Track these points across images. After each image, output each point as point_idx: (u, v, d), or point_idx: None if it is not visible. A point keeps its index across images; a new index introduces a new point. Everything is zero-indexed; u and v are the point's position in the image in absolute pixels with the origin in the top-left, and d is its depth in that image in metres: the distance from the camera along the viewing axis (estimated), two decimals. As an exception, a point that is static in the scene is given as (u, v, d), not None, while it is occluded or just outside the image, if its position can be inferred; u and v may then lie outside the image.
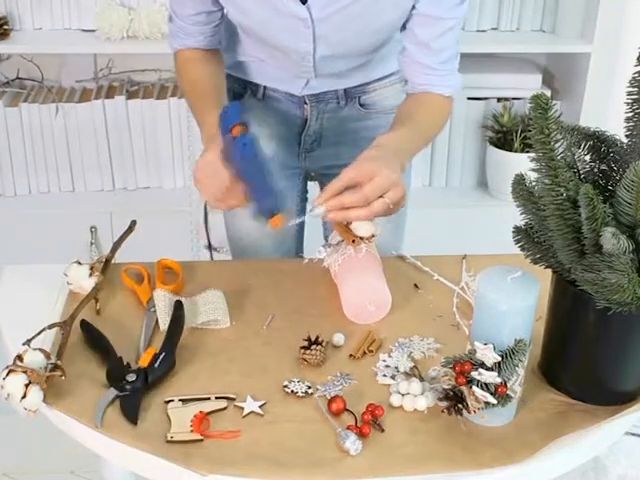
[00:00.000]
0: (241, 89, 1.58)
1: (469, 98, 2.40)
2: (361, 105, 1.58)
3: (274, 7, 1.33)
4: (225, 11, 1.45)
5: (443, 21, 1.33)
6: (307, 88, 1.53)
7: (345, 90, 1.55)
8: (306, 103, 1.56)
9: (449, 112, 1.44)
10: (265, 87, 1.56)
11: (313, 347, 1.15)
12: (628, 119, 1.07)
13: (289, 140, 1.60)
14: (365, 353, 1.19)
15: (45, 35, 2.28)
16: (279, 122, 1.56)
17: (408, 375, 1.14)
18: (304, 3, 1.32)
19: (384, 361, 1.18)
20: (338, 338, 1.21)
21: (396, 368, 1.16)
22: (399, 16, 1.35)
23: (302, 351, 1.16)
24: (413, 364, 1.16)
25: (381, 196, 1.18)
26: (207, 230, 2.22)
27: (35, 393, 1.04)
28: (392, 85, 1.59)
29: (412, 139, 1.34)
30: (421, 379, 1.12)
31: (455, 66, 1.41)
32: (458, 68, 1.42)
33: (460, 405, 1.03)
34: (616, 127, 1.10)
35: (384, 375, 1.15)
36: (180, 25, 1.46)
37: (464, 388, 1.01)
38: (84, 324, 1.20)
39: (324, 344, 1.18)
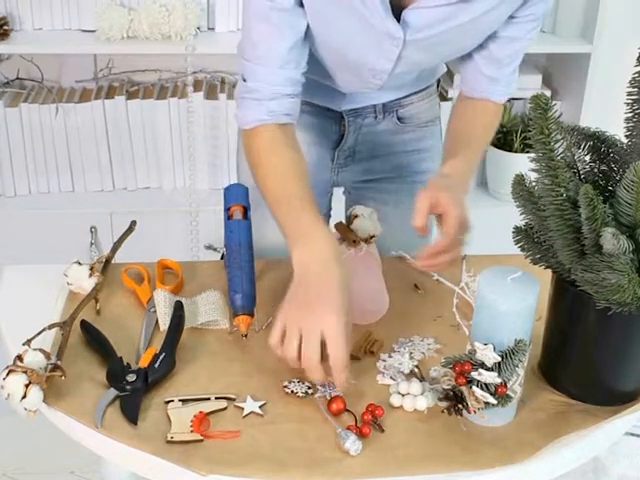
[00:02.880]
0: None
1: (469, 98, 2.40)
2: (398, 119, 1.53)
3: (367, 22, 1.23)
4: None
5: (520, 41, 1.34)
6: (346, 103, 1.48)
7: (383, 104, 1.51)
8: (343, 118, 1.51)
9: (500, 117, 1.46)
10: (301, 101, 1.45)
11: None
12: (628, 119, 1.07)
13: (323, 157, 1.55)
14: (365, 353, 1.19)
15: (45, 35, 2.29)
16: (313, 139, 1.51)
17: (408, 375, 1.14)
18: (398, 21, 1.24)
19: (384, 361, 1.18)
20: None
21: (396, 368, 1.16)
22: (482, 40, 1.33)
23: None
24: (413, 364, 1.16)
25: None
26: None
27: (35, 393, 1.04)
28: (428, 97, 1.56)
29: (474, 167, 1.38)
30: (421, 379, 1.12)
31: (516, 76, 1.40)
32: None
33: (460, 405, 1.03)
34: (616, 127, 1.10)
35: (384, 375, 1.15)
36: (263, 84, 1.24)
37: (464, 388, 1.01)
38: (84, 324, 1.20)
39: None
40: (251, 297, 1.20)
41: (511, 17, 1.28)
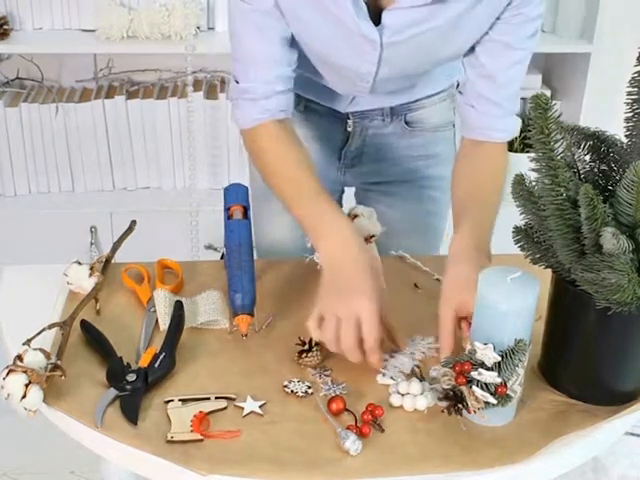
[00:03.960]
0: None
1: (469, 98, 2.40)
2: (406, 123, 1.51)
3: (344, 25, 1.22)
4: None
5: (513, 51, 1.26)
6: (352, 105, 1.47)
7: (391, 108, 1.48)
8: (349, 119, 1.49)
9: (506, 159, 1.36)
10: (307, 99, 1.48)
11: (314, 348, 1.15)
12: (628, 119, 1.07)
13: (329, 155, 1.53)
14: (365, 353, 1.19)
15: (45, 35, 2.29)
16: (319, 137, 1.49)
17: (408, 375, 1.14)
18: (376, 25, 1.23)
19: (384, 361, 1.17)
20: None
21: (396, 368, 1.16)
22: (470, 43, 1.27)
23: (304, 354, 1.15)
24: (413, 364, 1.16)
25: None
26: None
27: (35, 393, 1.04)
28: (440, 103, 1.52)
29: (490, 230, 1.26)
30: (421, 379, 1.12)
31: (516, 107, 1.32)
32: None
33: (460, 405, 1.03)
34: (616, 127, 1.10)
35: (384, 375, 1.15)
36: (255, 84, 1.26)
37: (464, 388, 1.02)
38: (84, 324, 1.20)
39: (320, 344, 1.18)
40: (251, 297, 1.20)
41: (498, 18, 1.23)
